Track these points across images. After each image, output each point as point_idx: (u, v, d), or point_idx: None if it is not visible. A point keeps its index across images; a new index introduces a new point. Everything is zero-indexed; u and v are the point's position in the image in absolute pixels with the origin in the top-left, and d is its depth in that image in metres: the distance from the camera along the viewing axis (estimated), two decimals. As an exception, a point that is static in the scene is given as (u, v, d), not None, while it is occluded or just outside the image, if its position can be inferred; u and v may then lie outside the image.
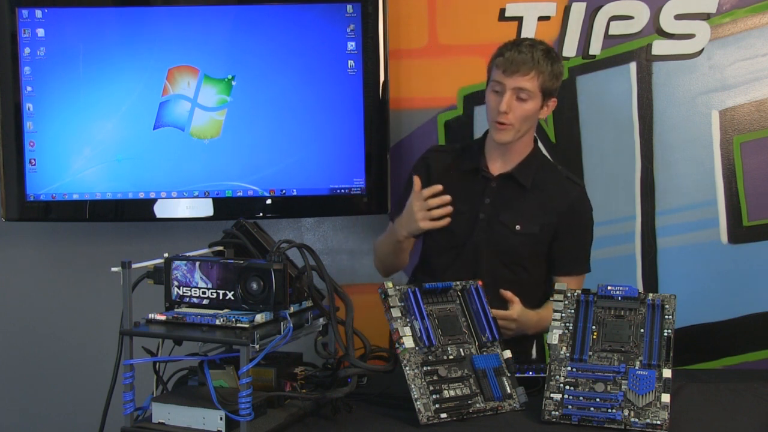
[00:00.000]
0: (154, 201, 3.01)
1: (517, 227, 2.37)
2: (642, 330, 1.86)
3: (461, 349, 1.91)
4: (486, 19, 3.05)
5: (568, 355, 1.85)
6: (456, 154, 2.52)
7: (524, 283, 2.37)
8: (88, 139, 3.01)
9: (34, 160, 3.01)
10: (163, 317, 1.78)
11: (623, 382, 1.79)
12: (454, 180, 2.41)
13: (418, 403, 1.78)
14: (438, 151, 2.56)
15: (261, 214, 3.01)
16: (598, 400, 1.78)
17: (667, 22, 3.00)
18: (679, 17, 2.99)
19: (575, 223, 2.43)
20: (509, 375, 1.91)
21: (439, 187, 2.28)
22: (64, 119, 3.01)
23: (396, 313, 1.88)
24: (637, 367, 1.81)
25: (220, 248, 1.98)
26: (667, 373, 1.79)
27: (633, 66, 3.03)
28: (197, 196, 3.01)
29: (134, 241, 3.23)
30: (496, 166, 2.42)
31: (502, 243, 2.38)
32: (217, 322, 1.73)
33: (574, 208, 2.42)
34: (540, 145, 2.50)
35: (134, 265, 1.78)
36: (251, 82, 2.98)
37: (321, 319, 1.91)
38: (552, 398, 1.81)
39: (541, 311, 2.32)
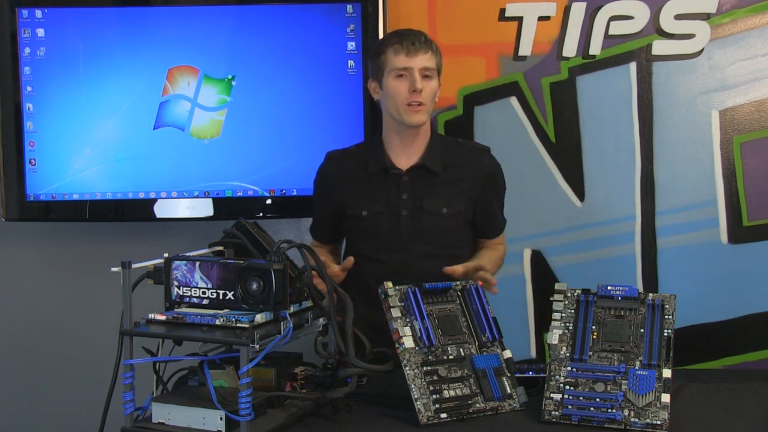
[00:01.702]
0: (154, 201, 3.01)
1: (444, 210, 2.39)
2: (642, 330, 1.86)
3: (461, 349, 1.91)
4: (486, 19, 3.05)
5: (568, 355, 1.85)
6: (353, 156, 2.50)
7: (459, 259, 2.37)
8: (88, 139, 3.01)
9: (34, 160, 3.02)
10: (163, 317, 1.78)
11: (623, 382, 1.79)
12: (361, 183, 2.42)
13: (418, 403, 1.78)
14: (334, 158, 2.52)
15: (261, 214, 3.01)
16: (598, 400, 1.78)
17: (667, 22, 2.99)
18: (679, 17, 2.99)
19: (496, 188, 2.50)
20: (509, 375, 1.91)
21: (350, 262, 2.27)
22: (64, 119, 3.01)
23: (396, 313, 1.88)
24: (637, 367, 1.81)
25: (220, 248, 1.98)
26: (667, 373, 1.79)
27: (633, 66, 3.03)
28: (197, 196, 3.01)
29: (134, 241, 3.23)
30: (402, 161, 2.42)
31: (434, 230, 2.39)
32: (217, 322, 1.72)
33: (491, 174, 2.48)
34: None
35: (134, 265, 1.78)
36: (251, 82, 2.98)
37: (321, 319, 1.91)
38: (552, 398, 1.81)
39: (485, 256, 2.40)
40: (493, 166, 2.49)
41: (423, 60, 2.32)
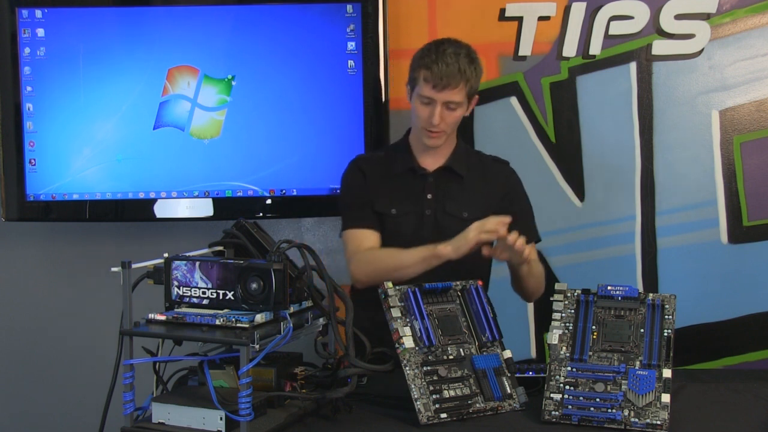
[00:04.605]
0: (154, 201, 3.01)
1: (465, 215, 2.40)
2: (642, 330, 1.86)
3: (461, 349, 1.91)
4: (486, 19, 3.05)
5: (568, 355, 1.85)
6: (381, 159, 2.53)
7: (478, 268, 2.37)
8: (88, 139, 3.01)
9: (34, 160, 3.02)
10: (163, 317, 1.78)
11: (623, 382, 1.79)
12: (390, 183, 2.44)
13: (418, 403, 1.78)
14: (365, 159, 2.55)
15: (261, 214, 3.01)
16: (598, 400, 1.78)
17: (667, 22, 2.99)
18: (679, 17, 2.99)
19: (517, 197, 2.50)
20: (509, 375, 1.91)
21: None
22: (64, 119, 3.01)
23: (396, 313, 1.88)
24: (637, 367, 1.81)
25: (220, 248, 1.98)
26: (667, 373, 1.79)
27: (633, 66, 3.03)
28: (197, 196, 3.01)
29: (134, 241, 3.23)
30: (429, 163, 2.45)
31: (453, 233, 2.36)
32: (217, 322, 1.73)
33: (511, 184, 2.50)
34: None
35: (134, 265, 1.78)
36: (251, 82, 2.98)
37: (321, 319, 1.91)
38: (552, 398, 1.81)
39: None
40: (514, 176, 2.51)
41: (449, 95, 2.32)
